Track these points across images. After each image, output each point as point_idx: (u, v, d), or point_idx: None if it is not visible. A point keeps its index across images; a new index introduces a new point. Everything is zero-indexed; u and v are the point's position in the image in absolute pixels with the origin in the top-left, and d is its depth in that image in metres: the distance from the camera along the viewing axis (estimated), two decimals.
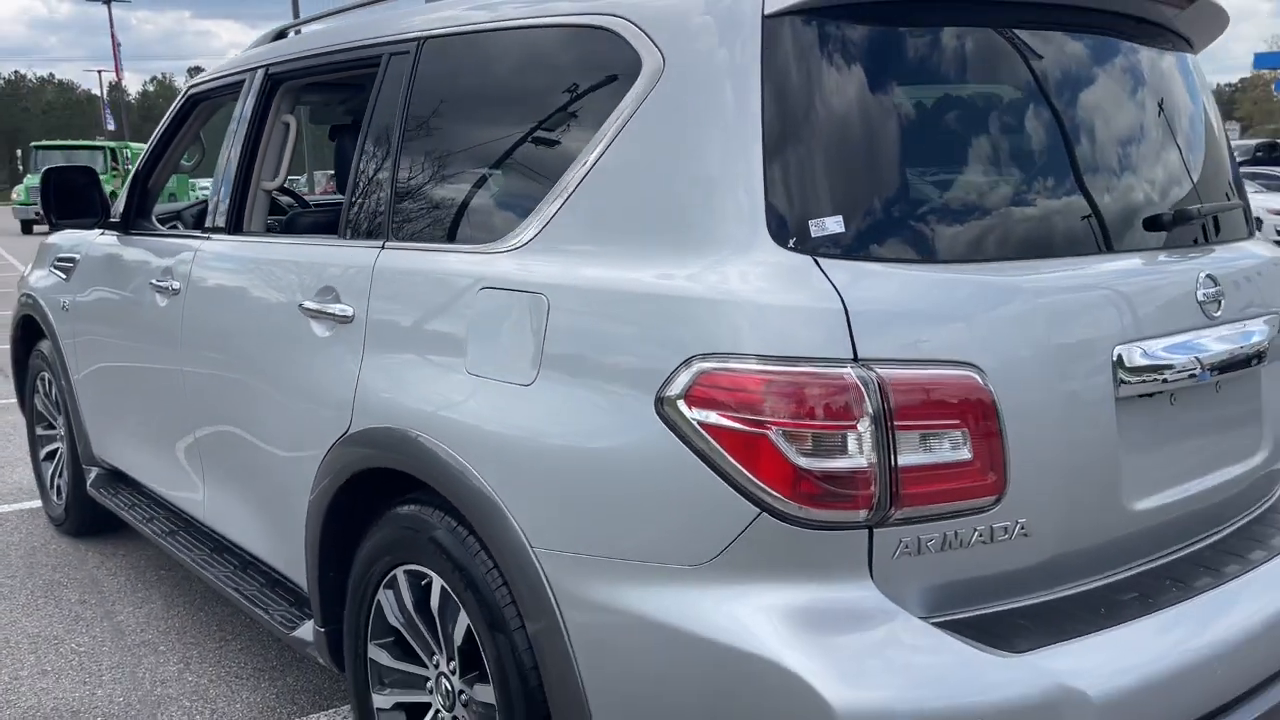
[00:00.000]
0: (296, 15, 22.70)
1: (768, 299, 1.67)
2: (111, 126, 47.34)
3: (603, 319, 1.87)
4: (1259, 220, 14.97)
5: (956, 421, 1.66)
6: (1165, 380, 1.92)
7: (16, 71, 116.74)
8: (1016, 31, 1.94)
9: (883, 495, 1.62)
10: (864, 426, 1.61)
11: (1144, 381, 1.88)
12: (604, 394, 1.82)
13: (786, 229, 1.71)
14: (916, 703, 1.56)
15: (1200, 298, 2.00)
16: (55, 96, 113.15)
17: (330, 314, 2.50)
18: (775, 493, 1.62)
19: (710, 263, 1.74)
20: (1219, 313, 2.03)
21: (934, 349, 1.67)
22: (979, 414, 1.67)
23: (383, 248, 2.43)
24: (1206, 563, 2.01)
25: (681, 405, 1.69)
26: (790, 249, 1.70)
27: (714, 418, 1.66)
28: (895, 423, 1.62)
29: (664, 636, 1.72)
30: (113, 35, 45.40)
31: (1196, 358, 1.97)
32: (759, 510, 1.64)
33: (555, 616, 1.86)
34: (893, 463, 1.62)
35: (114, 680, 3.24)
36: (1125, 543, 1.91)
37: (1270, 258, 2.34)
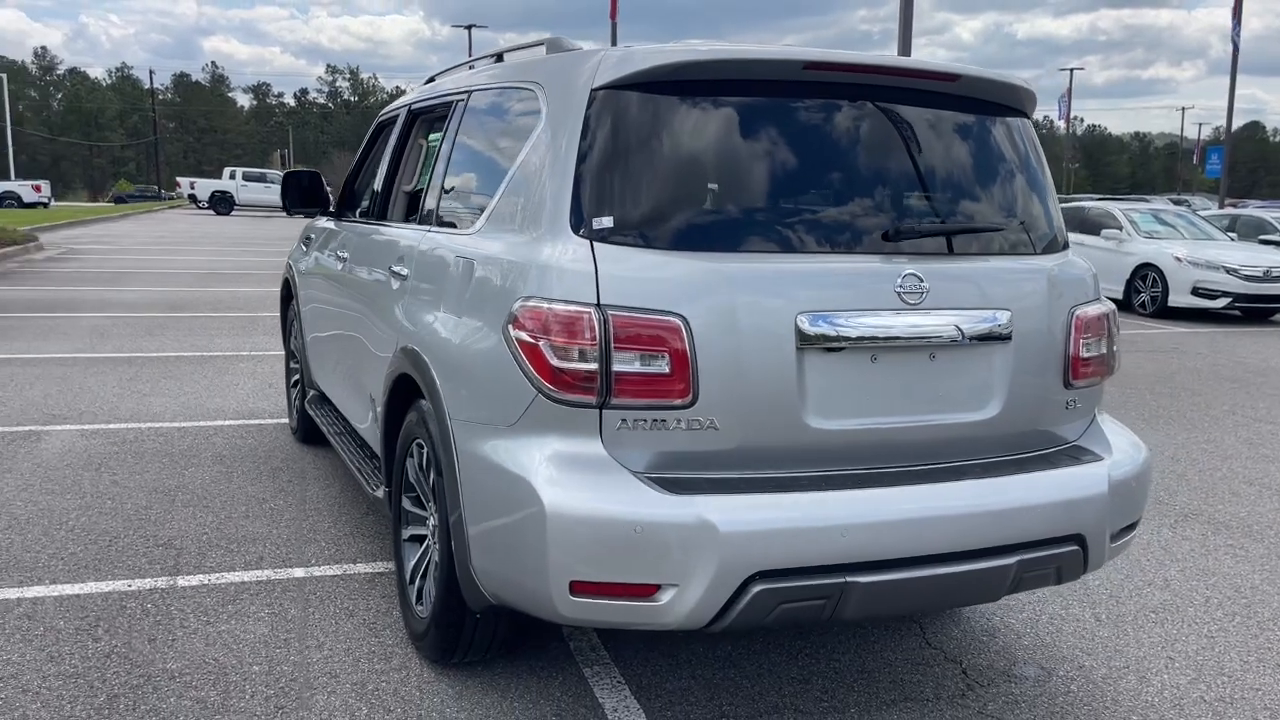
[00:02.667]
0: (614, 44, 25.11)
1: (557, 265, 2.70)
2: None
3: (492, 275, 2.97)
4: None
5: (661, 349, 2.61)
6: (843, 343, 2.73)
7: (397, 86, 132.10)
8: (760, 97, 2.83)
9: (604, 388, 2.61)
10: (596, 346, 2.60)
11: (820, 341, 2.71)
12: (486, 322, 2.92)
13: (580, 223, 2.73)
14: (593, 509, 2.54)
15: (898, 289, 2.78)
16: None
17: (399, 273, 3.75)
18: (544, 382, 2.66)
19: (541, 242, 2.79)
20: (919, 302, 2.80)
21: (652, 302, 2.63)
22: (677, 345, 2.61)
23: (428, 231, 3.65)
24: (891, 477, 2.77)
25: (511, 328, 2.75)
26: (580, 236, 2.72)
27: (522, 335, 2.72)
28: (614, 345, 2.60)
29: (493, 467, 2.79)
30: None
31: (877, 330, 2.75)
32: (537, 393, 2.67)
33: (454, 460, 2.97)
34: (611, 370, 2.60)
35: (286, 525, 4.69)
36: (810, 450, 2.74)
37: (1027, 269, 3.03)
